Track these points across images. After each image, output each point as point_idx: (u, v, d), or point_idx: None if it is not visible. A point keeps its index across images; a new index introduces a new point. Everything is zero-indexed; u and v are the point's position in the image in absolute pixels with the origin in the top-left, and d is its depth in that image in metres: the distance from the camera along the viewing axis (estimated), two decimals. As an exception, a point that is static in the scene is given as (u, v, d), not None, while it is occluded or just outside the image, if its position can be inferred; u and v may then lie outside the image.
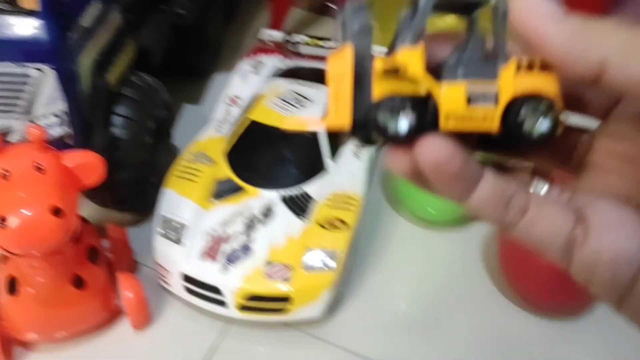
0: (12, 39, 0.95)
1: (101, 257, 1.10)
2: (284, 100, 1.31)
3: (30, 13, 0.97)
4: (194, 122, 1.54)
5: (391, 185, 1.42)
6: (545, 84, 0.35)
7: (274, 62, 1.53)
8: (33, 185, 0.87)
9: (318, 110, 1.30)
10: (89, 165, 0.94)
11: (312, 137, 1.26)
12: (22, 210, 0.85)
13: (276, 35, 1.59)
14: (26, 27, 0.95)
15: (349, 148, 1.30)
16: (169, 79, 1.36)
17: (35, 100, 1.01)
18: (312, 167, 1.24)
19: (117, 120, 1.16)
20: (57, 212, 0.87)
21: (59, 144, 1.05)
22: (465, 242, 1.34)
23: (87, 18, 1.05)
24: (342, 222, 1.16)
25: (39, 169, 0.88)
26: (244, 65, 1.51)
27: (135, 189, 1.24)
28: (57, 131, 1.05)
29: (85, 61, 1.05)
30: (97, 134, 1.11)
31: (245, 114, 1.32)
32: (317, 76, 1.44)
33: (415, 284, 1.28)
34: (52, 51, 0.96)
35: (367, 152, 1.31)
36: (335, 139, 1.29)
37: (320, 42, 1.57)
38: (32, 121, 1.03)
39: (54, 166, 0.90)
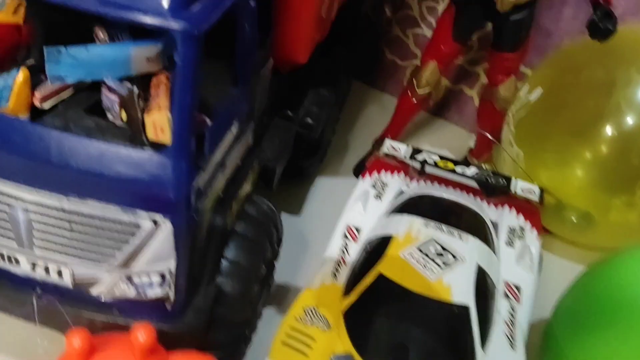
0: (126, 177, 0.70)
1: None
2: (424, 254, 1.04)
3: (154, 146, 0.72)
4: (292, 239, 1.28)
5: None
6: None
7: (398, 184, 1.26)
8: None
9: (468, 275, 1.02)
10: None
11: (459, 311, 0.98)
12: None
13: (402, 149, 1.33)
14: (146, 165, 0.70)
15: (502, 329, 1.01)
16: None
17: (140, 254, 0.75)
18: (458, 354, 0.96)
19: (225, 267, 0.89)
20: None
21: (154, 307, 0.79)
22: None
23: (221, 148, 0.80)
24: None
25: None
26: (364, 187, 1.24)
27: (229, 350, 0.96)
28: (155, 292, 0.78)
29: (208, 204, 0.80)
30: (202, 292, 0.84)
31: (371, 260, 1.04)
32: (454, 215, 1.17)
33: None
34: (178, 201, 0.70)
35: (523, 339, 1.02)
36: (486, 313, 1.01)
37: (453, 166, 1.31)
38: (127, 276, 0.77)
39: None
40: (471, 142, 1.63)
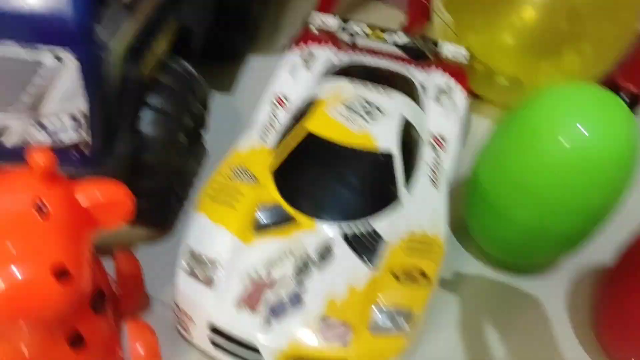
0: (21, 11, 0.68)
1: (107, 301, 0.84)
2: (351, 109, 1.06)
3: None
4: (225, 116, 1.29)
5: (459, 213, 1.15)
6: None
7: (327, 55, 1.26)
8: (30, 234, 0.62)
9: (392, 125, 1.05)
10: (111, 203, 0.69)
11: (384, 158, 1.01)
12: (11, 270, 0.60)
13: (331, 22, 1.33)
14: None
15: (426, 172, 1.05)
16: (197, 62, 1.08)
17: (47, 95, 0.74)
18: (382, 195, 1.00)
19: (148, 114, 0.90)
20: (61, 273, 0.62)
21: (73, 154, 0.79)
22: (546, 290, 1.12)
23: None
24: (422, 274, 0.92)
25: (40, 210, 0.63)
26: (293, 57, 1.24)
27: (157, 200, 0.98)
28: (70, 137, 0.79)
29: (118, 46, 0.79)
30: (122, 139, 0.85)
31: (300, 122, 1.06)
32: (383, 79, 1.19)
33: (490, 341, 1.05)
34: (79, 32, 0.70)
35: (446, 179, 1.07)
36: (411, 160, 1.05)
37: (383, 35, 1.31)
38: (38, 121, 0.77)
39: (62, 207, 0.64)
40: (404, 19, 1.63)
